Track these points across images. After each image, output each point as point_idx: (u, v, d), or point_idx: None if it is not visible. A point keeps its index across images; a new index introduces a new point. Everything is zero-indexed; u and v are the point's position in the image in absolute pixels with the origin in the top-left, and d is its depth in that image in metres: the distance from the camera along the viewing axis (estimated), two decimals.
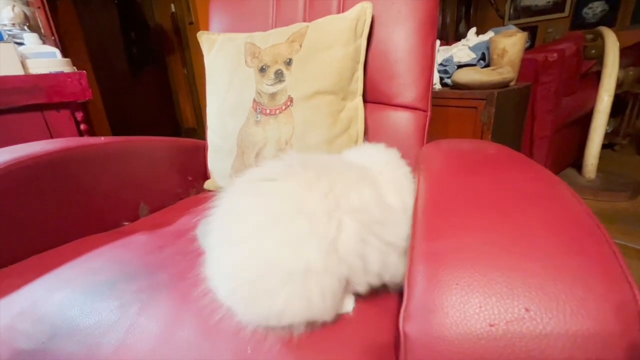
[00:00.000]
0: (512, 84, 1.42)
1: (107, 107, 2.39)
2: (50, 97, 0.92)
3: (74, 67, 1.02)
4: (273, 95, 0.73)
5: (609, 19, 3.05)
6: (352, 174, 0.39)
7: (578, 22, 3.21)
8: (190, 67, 3.26)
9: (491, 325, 0.19)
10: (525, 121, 1.57)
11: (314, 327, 0.33)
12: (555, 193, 0.27)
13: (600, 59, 1.90)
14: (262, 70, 0.74)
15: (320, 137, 0.69)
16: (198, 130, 3.53)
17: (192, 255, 0.45)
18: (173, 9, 3.21)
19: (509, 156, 0.37)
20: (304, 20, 0.81)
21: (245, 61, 0.76)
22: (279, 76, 0.72)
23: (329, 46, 0.70)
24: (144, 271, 0.43)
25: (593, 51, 2.17)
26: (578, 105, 1.80)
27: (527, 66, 1.51)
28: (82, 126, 1.00)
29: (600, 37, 1.83)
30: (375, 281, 0.36)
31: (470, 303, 0.20)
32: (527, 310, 0.19)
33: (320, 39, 0.71)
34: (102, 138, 0.70)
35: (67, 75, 0.95)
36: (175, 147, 0.90)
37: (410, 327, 0.22)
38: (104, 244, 0.53)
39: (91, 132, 1.04)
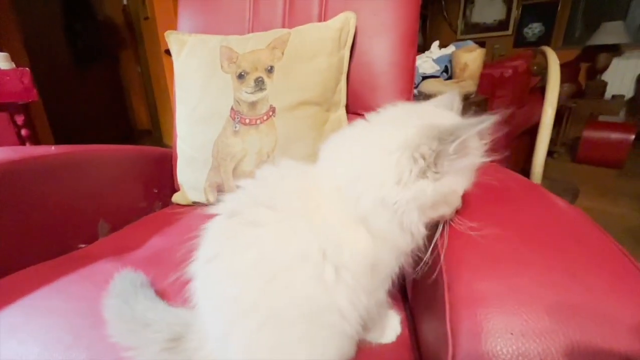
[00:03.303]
0: (472, 96, 1.51)
1: (48, 107, 2.13)
2: None
3: (13, 63, 0.88)
4: (253, 104, 0.68)
5: (545, 39, 3.42)
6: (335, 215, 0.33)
7: (520, 40, 3.55)
8: (145, 65, 3.04)
9: None
10: None
11: None
12: (583, 225, 0.27)
13: (540, 75, 2.09)
14: (241, 76, 0.69)
15: (305, 149, 0.66)
16: (154, 132, 3.29)
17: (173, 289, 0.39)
18: (125, 1, 2.97)
19: (519, 182, 0.38)
20: (284, 26, 0.78)
21: (222, 66, 0.71)
22: (260, 84, 0.68)
23: (314, 56, 0.67)
24: None
25: (535, 68, 2.39)
26: (527, 117, 1.96)
27: (485, 80, 1.61)
28: (23, 131, 0.86)
29: (542, 55, 2.02)
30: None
31: (530, 356, 0.19)
32: None
33: (303, 47, 0.68)
34: (53, 147, 0.61)
35: (5, 72, 0.81)
36: (138, 156, 0.81)
37: None
38: (60, 275, 0.45)
39: (34, 138, 0.90)
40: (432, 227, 0.34)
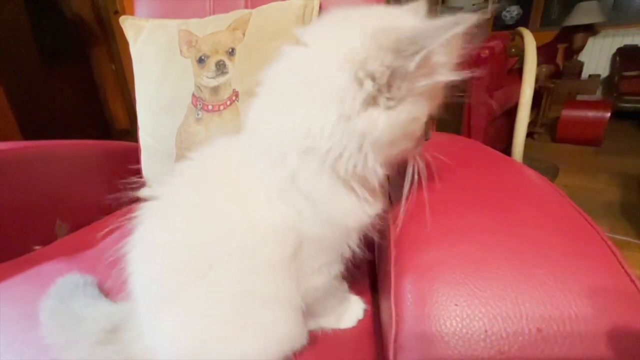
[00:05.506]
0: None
1: (16, 107, 2.03)
2: None
3: None
4: (215, 89, 0.65)
5: (523, 22, 3.45)
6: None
7: (499, 24, 3.57)
8: (118, 61, 2.93)
9: (501, 354, 0.16)
10: (463, 113, 1.67)
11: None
12: (540, 188, 0.25)
13: (519, 56, 2.10)
14: (201, 61, 0.66)
15: None
16: (132, 131, 3.20)
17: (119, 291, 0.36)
18: None
19: (481, 151, 0.36)
20: (246, 7, 0.74)
21: (180, 51, 0.67)
22: (221, 68, 0.65)
23: (276, 34, 0.64)
24: None
25: (513, 50, 2.40)
26: (506, 98, 1.97)
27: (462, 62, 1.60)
28: None
29: (519, 36, 2.03)
30: None
31: (474, 328, 0.17)
32: (539, 330, 0.16)
33: (265, 26, 0.65)
34: None
35: None
36: (102, 151, 0.77)
37: None
38: (3, 279, 0.42)
39: None
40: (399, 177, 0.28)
